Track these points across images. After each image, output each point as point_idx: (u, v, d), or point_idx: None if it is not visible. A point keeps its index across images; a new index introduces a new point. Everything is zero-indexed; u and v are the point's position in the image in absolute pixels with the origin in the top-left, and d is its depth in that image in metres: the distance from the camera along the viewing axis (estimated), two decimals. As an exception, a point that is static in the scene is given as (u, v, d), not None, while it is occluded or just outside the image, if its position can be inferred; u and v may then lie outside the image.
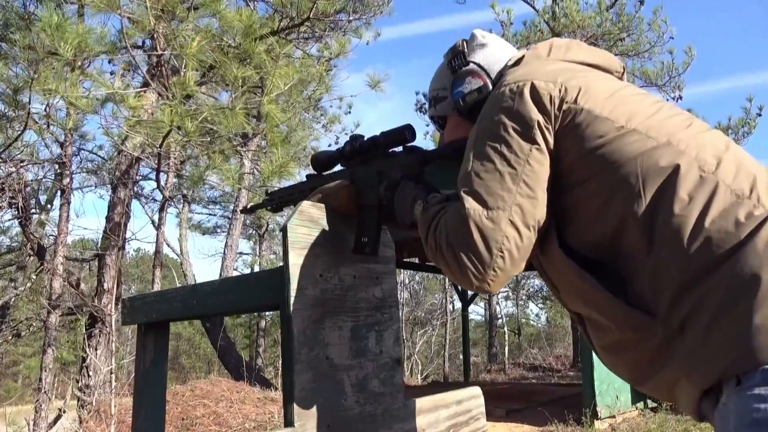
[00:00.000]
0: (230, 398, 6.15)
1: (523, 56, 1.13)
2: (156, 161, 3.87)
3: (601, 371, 5.30)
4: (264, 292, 1.42)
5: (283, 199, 1.60)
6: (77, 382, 6.01)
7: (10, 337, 5.92)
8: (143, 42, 6.25)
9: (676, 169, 0.85)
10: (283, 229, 1.27)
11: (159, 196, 8.36)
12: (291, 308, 1.22)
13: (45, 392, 4.56)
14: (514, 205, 0.94)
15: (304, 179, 1.57)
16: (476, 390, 1.81)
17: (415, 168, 1.30)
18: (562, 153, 0.95)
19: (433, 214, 1.07)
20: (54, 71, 2.87)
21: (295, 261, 1.26)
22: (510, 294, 21.02)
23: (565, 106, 0.95)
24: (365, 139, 1.43)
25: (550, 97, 0.96)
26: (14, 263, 6.52)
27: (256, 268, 19.05)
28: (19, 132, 3.66)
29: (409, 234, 1.41)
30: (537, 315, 23.58)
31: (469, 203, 0.96)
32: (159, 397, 1.86)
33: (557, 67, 1.04)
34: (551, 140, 0.96)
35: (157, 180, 4.42)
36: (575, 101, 0.95)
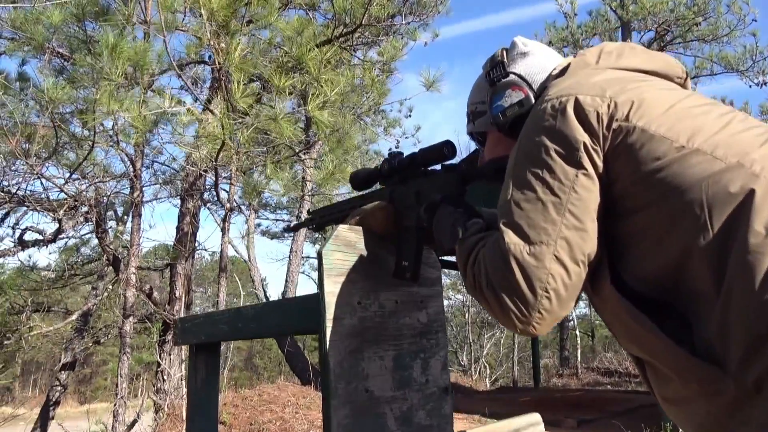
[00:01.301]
0: (296, 403, 6.23)
1: (569, 65, 1.02)
2: (214, 175, 3.96)
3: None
4: (303, 317, 1.37)
5: (324, 219, 1.56)
6: (153, 386, 6.28)
7: (91, 344, 6.27)
8: (209, 56, 6.46)
9: (750, 195, 0.72)
10: (319, 256, 1.21)
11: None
12: (327, 340, 1.16)
13: (121, 397, 4.78)
14: (559, 239, 0.83)
15: (348, 196, 1.52)
16: (535, 417, 1.69)
17: (455, 188, 1.22)
18: (613, 177, 0.84)
19: (470, 245, 0.98)
20: (110, 93, 2.98)
21: (331, 289, 1.20)
22: (582, 294, 20.21)
23: (615, 125, 0.84)
24: (403, 156, 1.36)
25: (598, 114, 0.85)
26: (95, 272, 6.91)
27: (323, 271, 19.33)
28: (88, 151, 3.85)
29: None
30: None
31: (509, 237, 0.86)
32: (211, 416, 1.87)
33: (606, 77, 0.93)
34: (600, 163, 0.84)
35: (216, 193, 4.53)
36: (627, 118, 0.84)
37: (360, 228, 1.31)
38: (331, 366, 1.16)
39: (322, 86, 3.34)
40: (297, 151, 5.15)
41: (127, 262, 5.03)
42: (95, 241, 6.58)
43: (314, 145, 6.08)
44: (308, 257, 16.91)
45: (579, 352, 14.83)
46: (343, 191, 5.56)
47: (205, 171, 4.81)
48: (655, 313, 0.80)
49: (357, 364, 1.21)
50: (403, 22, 5.16)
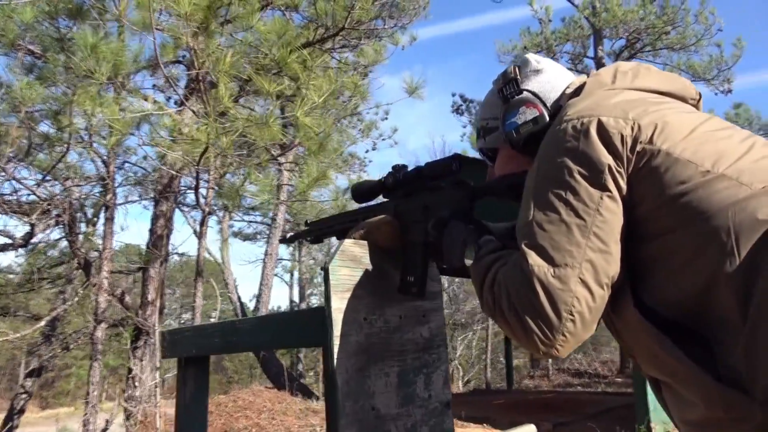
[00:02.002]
0: (272, 409, 6.15)
1: (584, 84, 1.02)
2: (194, 177, 3.88)
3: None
4: (304, 332, 1.35)
5: (322, 231, 1.53)
6: (123, 392, 6.12)
7: (59, 350, 6.08)
8: (183, 56, 6.34)
9: None
10: (325, 272, 1.19)
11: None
12: (334, 358, 1.14)
13: (93, 406, 4.64)
14: (584, 262, 0.83)
15: (348, 208, 1.50)
16: (530, 428, 1.69)
17: (464, 204, 1.20)
18: (637, 200, 0.84)
19: (486, 265, 0.97)
20: (89, 93, 2.88)
21: (338, 305, 1.17)
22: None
23: (639, 147, 0.84)
24: (408, 170, 1.34)
25: (622, 137, 0.85)
26: (63, 276, 6.70)
27: (296, 274, 19.19)
28: (62, 153, 3.72)
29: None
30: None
31: (533, 259, 0.85)
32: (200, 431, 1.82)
33: (626, 98, 0.93)
34: (624, 186, 0.84)
35: (197, 196, 4.43)
36: (650, 141, 0.84)
37: (365, 242, 1.29)
38: (339, 385, 1.13)
39: (308, 91, 3.30)
40: (276, 154, 5.09)
41: (99, 267, 4.89)
42: (64, 244, 6.39)
43: (292, 148, 6.01)
44: (281, 259, 16.76)
45: (550, 353, 15.00)
46: (325, 198, 5.52)
47: (180, 172, 4.71)
48: (678, 337, 0.80)
49: (363, 382, 1.19)
50: (385, 26, 5.15)
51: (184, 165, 3.85)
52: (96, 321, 4.67)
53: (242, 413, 5.94)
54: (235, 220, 16.09)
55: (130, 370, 5.99)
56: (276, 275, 14.66)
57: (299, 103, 3.24)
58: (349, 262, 1.23)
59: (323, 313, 1.26)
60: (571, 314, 0.83)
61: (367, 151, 16.21)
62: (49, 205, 4.14)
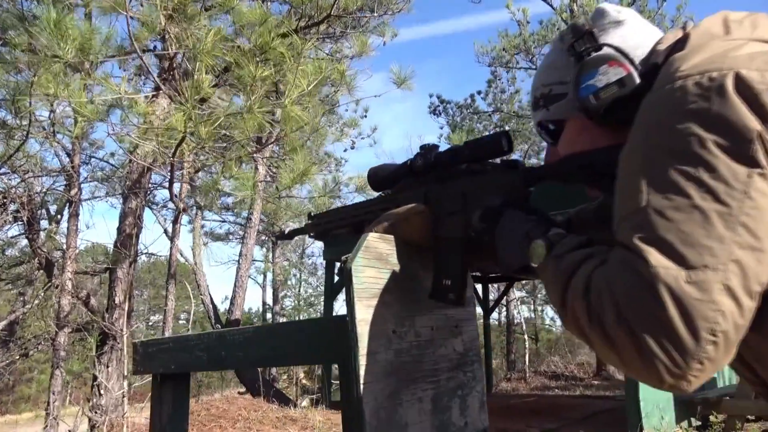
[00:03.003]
0: (248, 418, 5.85)
1: (687, 36, 0.80)
2: (169, 171, 3.58)
3: (646, 390, 4.94)
4: (316, 347, 1.10)
5: (331, 225, 1.29)
6: (88, 401, 5.74)
7: (18, 357, 5.66)
8: (154, 46, 6.00)
9: None
10: (346, 273, 0.95)
11: (172, 205, 8.11)
12: (360, 382, 0.90)
13: (53, 417, 4.28)
14: (730, 262, 0.61)
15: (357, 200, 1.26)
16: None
17: (518, 190, 0.98)
18: None
19: (571, 265, 0.74)
20: (55, 74, 2.58)
21: (363, 316, 0.94)
22: (526, 298, 20.57)
23: None
24: (442, 150, 1.11)
25: None
26: (23, 277, 6.27)
27: (269, 276, 18.76)
28: (21, 141, 3.38)
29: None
30: (552, 319, 23.08)
31: (655, 258, 0.63)
32: (178, 459, 1.55)
33: (758, 50, 0.72)
34: None
35: (170, 191, 4.12)
36: None
37: (391, 237, 1.05)
38: (366, 418, 0.89)
39: (297, 77, 3.05)
40: (252, 151, 4.81)
41: (63, 267, 4.54)
42: (24, 242, 5.98)
43: (275, 140, 5.74)
44: (255, 261, 16.34)
45: (527, 356, 14.97)
46: (304, 194, 5.26)
47: (153, 165, 4.39)
48: None
49: (395, 411, 0.95)
50: (374, 14, 4.91)
51: (157, 157, 3.55)
52: (58, 325, 4.32)
53: (216, 422, 5.63)
54: (207, 220, 15.66)
55: (95, 378, 5.62)
56: (250, 277, 14.26)
57: (287, 90, 2.99)
58: (375, 261, 1.00)
59: (340, 323, 1.03)
60: (713, 334, 0.61)
61: (345, 150, 15.96)
62: (5, 198, 3.78)
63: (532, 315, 21.30)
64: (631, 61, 0.84)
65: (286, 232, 1.42)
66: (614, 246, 0.71)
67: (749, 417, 5.56)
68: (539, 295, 20.05)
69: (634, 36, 0.87)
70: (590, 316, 0.69)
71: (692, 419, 5.69)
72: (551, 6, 14.77)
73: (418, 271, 1.10)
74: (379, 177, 1.18)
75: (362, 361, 0.91)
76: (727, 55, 0.70)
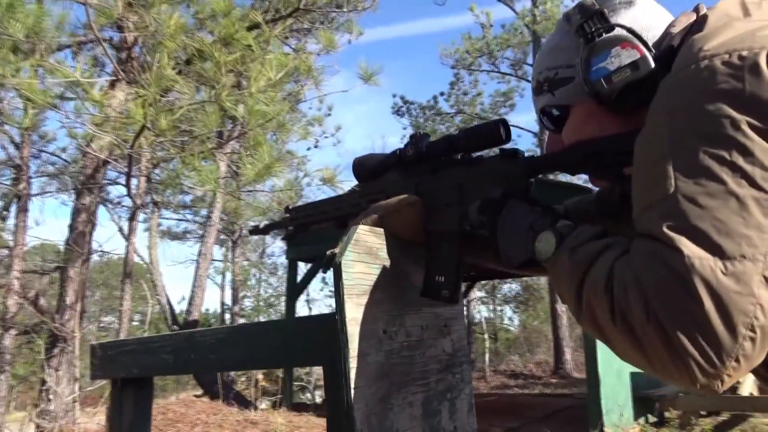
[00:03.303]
0: (207, 422, 5.67)
1: (705, 16, 0.76)
2: (126, 164, 3.41)
3: (607, 388, 5.02)
4: (295, 347, 1.03)
5: (312, 219, 1.21)
6: (35, 407, 5.45)
7: (-42, 361, 5.32)
8: (111, 37, 5.76)
9: None
10: (335, 267, 0.87)
11: (127, 201, 7.81)
12: (351, 386, 0.83)
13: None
14: None
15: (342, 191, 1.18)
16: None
17: (518, 181, 0.93)
18: None
19: (588, 257, 0.69)
20: (2, 56, 2.40)
21: (354, 315, 0.86)
22: (485, 298, 20.81)
23: None
24: (434, 139, 1.05)
25: None
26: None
27: (228, 276, 18.36)
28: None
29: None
30: (510, 319, 23.45)
31: (689, 248, 0.58)
32: (139, 470, 1.44)
33: None
34: None
35: (128, 186, 3.92)
36: None
37: (381, 231, 0.98)
38: (357, 425, 0.82)
39: (264, 67, 2.94)
40: (218, 143, 4.66)
41: (9, 265, 4.28)
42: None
43: (237, 137, 5.58)
44: (213, 260, 15.96)
45: (486, 355, 15.12)
46: (266, 191, 5.13)
47: (110, 157, 4.19)
48: None
49: (386, 416, 0.89)
50: (344, 9, 4.83)
51: (114, 149, 3.37)
52: (4, 327, 4.06)
53: (173, 427, 5.42)
54: (164, 218, 15.21)
55: (43, 382, 5.34)
56: (209, 278, 13.92)
57: (253, 78, 2.87)
58: (365, 255, 0.93)
59: (326, 322, 0.95)
60: (752, 329, 0.56)
61: (308, 149, 15.77)
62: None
63: (492, 315, 21.57)
64: (645, 44, 0.79)
65: (261, 226, 1.33)
66: (636, 236, 0.67)
67: (702, 412, 5.74)
68: (498, 295, 20.32)
69: (645, 17, 0.83)
70: (613, 313, 0.64)
71: (649, 416, 5.83)
72: (513, 10, 15.00)
73: (408, 267, 1.03)
74: (365, 167, 1.11)
75: (353, 363, 0.84)
76: (756, 34, 0.66)
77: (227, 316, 19.00)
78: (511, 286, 19.74)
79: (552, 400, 8.01)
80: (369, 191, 1.11)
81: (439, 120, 17.91)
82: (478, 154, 1.01)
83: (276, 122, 3.76)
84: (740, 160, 0.59)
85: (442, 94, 17.62)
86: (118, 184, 5.92)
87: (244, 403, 7.34)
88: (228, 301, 18.73)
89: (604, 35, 0.81)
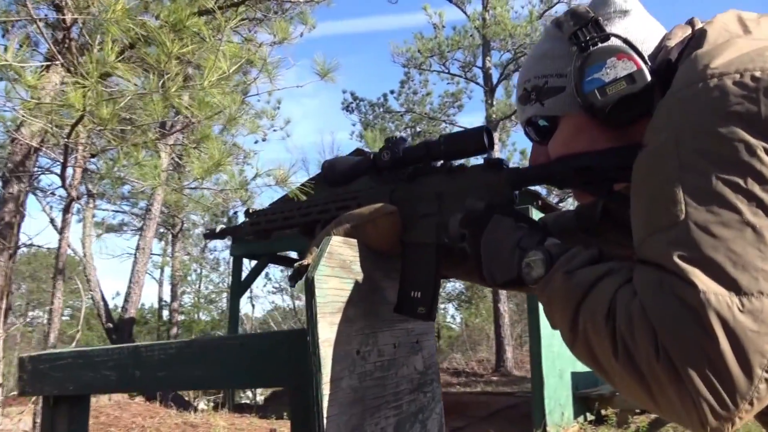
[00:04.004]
0: (143, 425, 5.42)
1: (703, 31, 0.73)
2: (62, 154, 3.17)
3: (550, 389, 5.13)
4: (258, 366, 0.94)
5: (275, 224, 1.12)
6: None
7: None
8: (46, 15, 5.38)
9: None
10: (307, 284, 0.80)
11: (61, 192, 7.37)
12: (324, 415, 0.75)
13: None
14: None
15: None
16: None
17: (502, 194, 0.88)
18: None
19: (586, 283, 0.65)
20: None
21: (327, 336, 0.79)
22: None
23: None
24: (412, 144, 0.99)
25: None
26: None
27: (167, 270, 17.74)
28: None
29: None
30: (453, 316, 23.80)
31: (703, 282, 0.54)
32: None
33: None
34: None
35: (62, 177, 3.65)
36: None
37: (355, 242, 0.91)
38: (330, 457, 0.75)
39: (217, 60, 2.79)
40: (161, 134, 4.45)
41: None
42: None
43: (182, 129, 5.33)
44: (152, 254, 15.37)
45: (430, 353, 15.25)
46: (212, 186, 4.93)
47: (42, 146, 3.91)
48: None
49: (359, 446, 0.82)
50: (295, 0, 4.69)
51: (47, 137, 3.13)
52: None
53: (106, 432, 5.15)
54: (100, 209, 14.51)
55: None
56: (148, 273, 13.38)
57: (206, 70, 2.72)
58: (339, 270, 0.85)
59: (294, 340, 0.88)
60: None
61: (256, 142, 15.42)
62: None
63: (435, 313, 21.74)
64: (641, 56, 0.76)
65: (218, 230, 1.24)
66: (639, 263, 0.63)
67: (637, 410, 5.97)
68: (442, 293, 20.57)
69: (639, 29, 0.80)
70: (615, 345, 0.59)
71: (588, 414, 6.01)
72: (465, 13, 15.17)
73: (381, 281, 0.97)
74: (336, 170, 1.04)
75: (326, 390, 0.76)
76: (765, 54, 0.63)
77: (165, 312, 18.37)
78: (454, 285, 20.03)
79: (495, 399, 8.15)
80: (339, 197, 1.03)
81: (389, 118, 17.93)
82: (459, 162, 0.96)
83: (226, 115, 3.61)
84: (756, 189, 0.56)
85: (392, 92, 17.65)
86: (51, 173, 5.55)
87: (183, 404, 7.07)
88: (166, 297, 18.10)
89: (599, 45, 0.77)
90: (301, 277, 0.87)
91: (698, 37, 0.73)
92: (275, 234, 1.15)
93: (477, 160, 0.98)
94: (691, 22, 0.80)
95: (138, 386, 1.10)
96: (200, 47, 2.96)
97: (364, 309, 0.89)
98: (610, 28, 0.79)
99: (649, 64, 0.76)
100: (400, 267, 0.95)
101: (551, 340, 5.42)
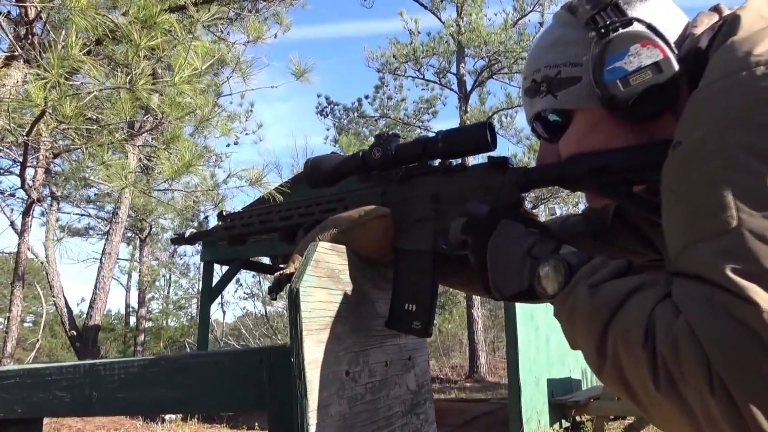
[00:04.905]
0: (107, 438, 5.19)
1: (736, 17, 0.66)
2: (21, 153, 2.99)
3: (526, 396, 5.09)
4: (234, 388, 0.84)
5: (252, 229, 1.02)
6: None
7: None
8: (8, 11, 5.15)
9: None
10: (291, 297, 0.70)
11: (22, 194, 7.07)
12: (309, 449, 0.65)
13: None
14: None
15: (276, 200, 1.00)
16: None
17: (509, 196, 0.79)
18: None
19: (616, 298, 0.57)
20: None
21: (314, 356, 0.69)
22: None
23: None
24: (406, 141, 0.90)
25: None
26: None
27: (135, 276, 17.25)
28: None
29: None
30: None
31: (766, 301, 0.47)
32: None
33: None
34: None
35: (22, 177, 3.45)
36: None
37: (344, 249, 0.82)
38: (318, 498, 0.65)
39: (189, 57, 2.67)
40: (130, 134, 4.28)
41: None
42: None
43: (152, 129, 5.16)
44: (120, 259, 14.94)
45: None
46: (182, 188, 4.76)
47: (1, 144, 3.72)
48: None
49: (348, 482, 0.72)
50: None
51: (5, 135, 2.95)
52: None
53: (67, 445, 4.92)
54: (64, 213, 14.06)
55: None
56: (115, 278, 13.00)
57: (177, 67, 2.59)
58: (326, 280, 0.76)
59: (274, 358, 0.77)
60: None
61: (228, 145, 15.15)
62: None
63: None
64: (667, 43, 0.68)
65: (187, 235, 1.12)
66: (679, 276, 0.55)
67: (611, 417, 5.98)
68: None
69: (663, 14, 0.73)
70: (656, 374, 0.51)
71: (563, 421, 5.99)
72: (439, 19, 15.20)
73: (372, 292, 0.87)
74: (321, 170, 0.94)
75: (312, 419, 0.66)
76: None
77: (132, 319, 17.89)
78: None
79: (470, 406, 8.09)
80: (324, 199, 0.94)
81: (363, 123, 17.84)
82: (459, 161, 0.87)
83: (198, 116, 3.47)
84: None
85: (366, 97, 17.56)
86: (10, 173, 5.30)
87: (150, 415, 6.82)
88: (134, 302, 17.62)
89: (621, 30, 0.70)
90: (282, 289, 0.77)
91: (731, 23, 0.66)
92: (252, 239, 1.04)
93: (477, 159, 0.90)
94: (717, 8, 0.73)
95: (96, 410, 0.98)
96: (171, 44, 2.83)
97: (354, 324, 0.80)
98: (632, 12, 0.71)
99: (676, 52, 0.69)
100: (393, 277, 0.86)
101: (528, 346, 5.39)
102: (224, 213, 1.06)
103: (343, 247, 0.81)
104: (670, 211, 0.58)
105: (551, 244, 0.68)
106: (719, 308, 0.49)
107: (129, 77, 2.53)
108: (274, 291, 0.80)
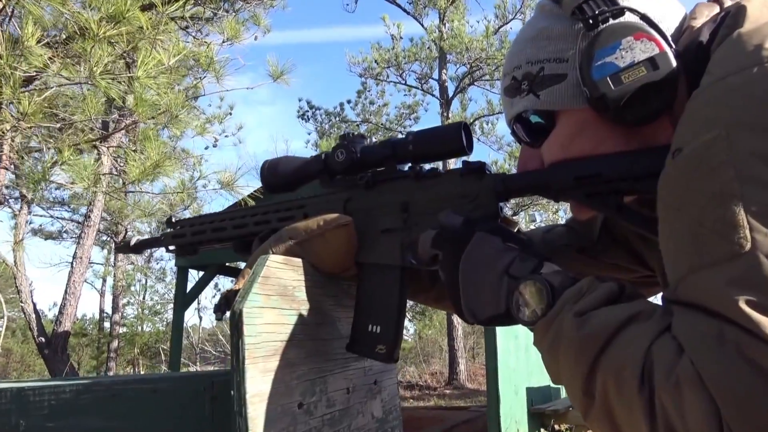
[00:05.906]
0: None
1: (741, 7, 0.59)
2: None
3: (505, 404, 5.03)
4: (173, 417, 0.74)
5: (202, 237, 0.92)
6: None
7: None
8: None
9: None
10: (233, 320, 0.60)
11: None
12: (250, 499, 0.56)
13: None
14: None
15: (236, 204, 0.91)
16: None
17: (486, 206, 0.71)
18: None
19: (606, 330, 0.49)
20: None
21: (260, 389, 0.60)
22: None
23: None
24: (372, 143, 0.81)
25: None
26: None
27: (109, 281, 16.88)
28: None
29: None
30: (406, 328, 23.69)
31: None
32: None
33: None
34: None
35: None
36: None
37: (299, 262, 0.72)
38: None
39: (155, 52, 2.56)
40: (102, 135, 4.13)
41: None
42: None
43: (122, 129, 5.01)
44: (93, 263, 14.62)
45: (383, 366, 15.05)
46: (156, 191, 4.62)
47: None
48: None
49: None
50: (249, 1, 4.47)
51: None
52: None
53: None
54: (35, 215, 13.72)
55: None
56: (87, 281, 12.70)
57: (140, 60, 2.48)
58: (277, 299, 0.66)
59: (218, 385, 0.68)
60: None
61: (206, 148, 14.94)
62: None
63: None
64: (663, 36, 0.61)
65: (132, 243, 1.02)
66: (681, 306, 0.47)
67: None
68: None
69: (659, 4, 0.65)
70: (653, 421, 0.43)
71: (542, 430, 5.95)
72: (422, 25, 15.21)
73: (332, 311, 0.78)
74: (278, 173, 0.85)
75: (255, 462, 0.57)
76: None
77: (106, 324, 17.50)
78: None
79: (450, 414, 8.01)
80: (282, 206, 0.85)
81: (345, 127, 17.75)
82: (431, 166, 0.79)
83: (168, 115, 3.34)
84: None
85: (348, 101, 17.49)
86: (-26, 175, 5.10)
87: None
88: (108, 308, 17.24)
89: (611, 21, 0.62)
90: (230, 308, 0.68)
91: (735, 14, 0.58)
92: (203, 248, 0.95)
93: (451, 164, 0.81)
94: (716, 0, 0.66)
95: (22, 440, 0.87)
96: (135, 38, 2.71)
97: (310, 348, 0.71)
98: (623, 2, 0.64)
99: (673, 46, 0.61)
100: (356, 294, 0.77)
101: (507, 355, 5.33)
102: (173, 219, 0.96)
103: (299, 261, 0.72)
104: (670, 231, 0.50)
105: (532, 261, 0.60)
106: (731, 348, 0.41)
107: (87, 66, 2.40)
108: (219, 311, 0.70)
